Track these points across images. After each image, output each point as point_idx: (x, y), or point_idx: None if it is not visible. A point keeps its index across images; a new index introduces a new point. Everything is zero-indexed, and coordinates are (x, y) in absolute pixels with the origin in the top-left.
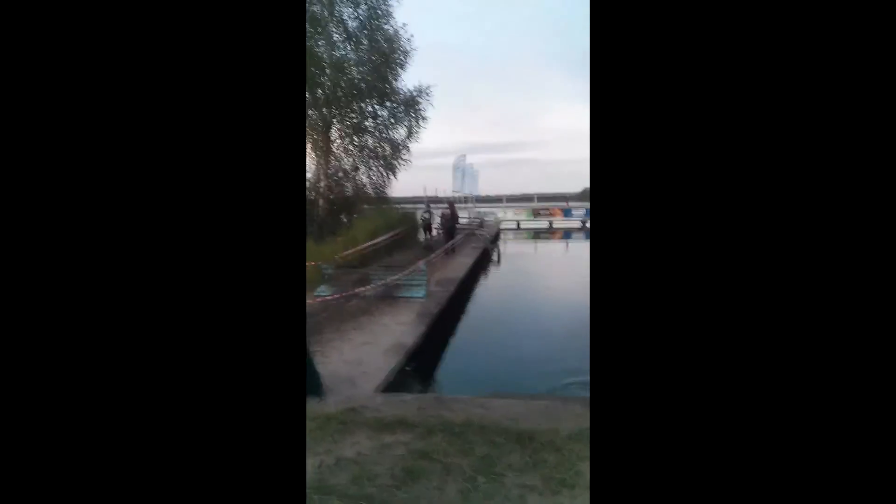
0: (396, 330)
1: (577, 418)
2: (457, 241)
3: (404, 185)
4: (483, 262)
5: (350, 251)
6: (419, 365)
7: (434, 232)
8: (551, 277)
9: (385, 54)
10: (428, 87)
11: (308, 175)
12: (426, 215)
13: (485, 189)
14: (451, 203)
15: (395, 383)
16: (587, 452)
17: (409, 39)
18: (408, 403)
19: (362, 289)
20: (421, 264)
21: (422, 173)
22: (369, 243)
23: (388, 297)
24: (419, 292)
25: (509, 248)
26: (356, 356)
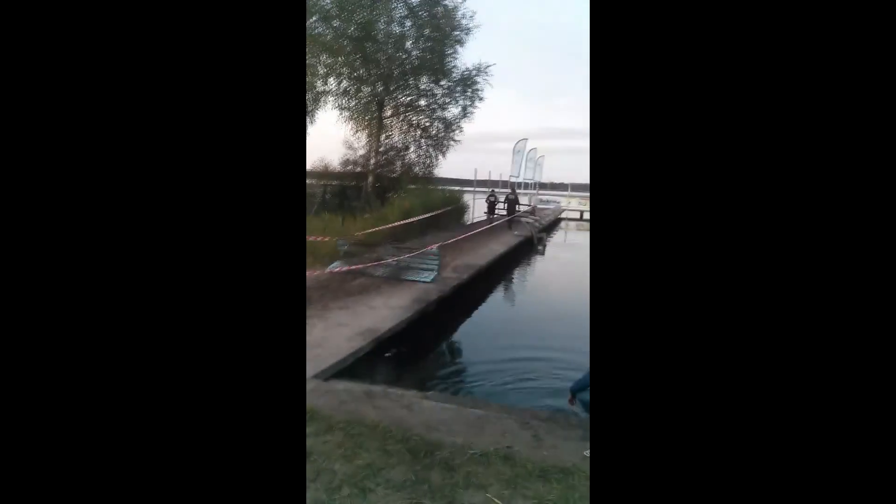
0: (382, 314)
1: (503, 436)
2: (491, 225)
3: (467, 166)
4: (520, 251)
5: (371, 230)
6: (401, 352)
7: (496, 213)
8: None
9: (442, 31)
10: (487, 67)
11: (361, 151)
12: (491, 198)
13: (560, 176)
14: (512, 186)
15: (351, 369)
16: (483, 479)
17: (470, 16)
18: (334, 394)
19: (365, 266)
20: (434, 248)
21: (495, 157)
22: (399, 223)
23: (396, 278)
24: (427, 276)
25: (565, 237)
26: (322, 336)
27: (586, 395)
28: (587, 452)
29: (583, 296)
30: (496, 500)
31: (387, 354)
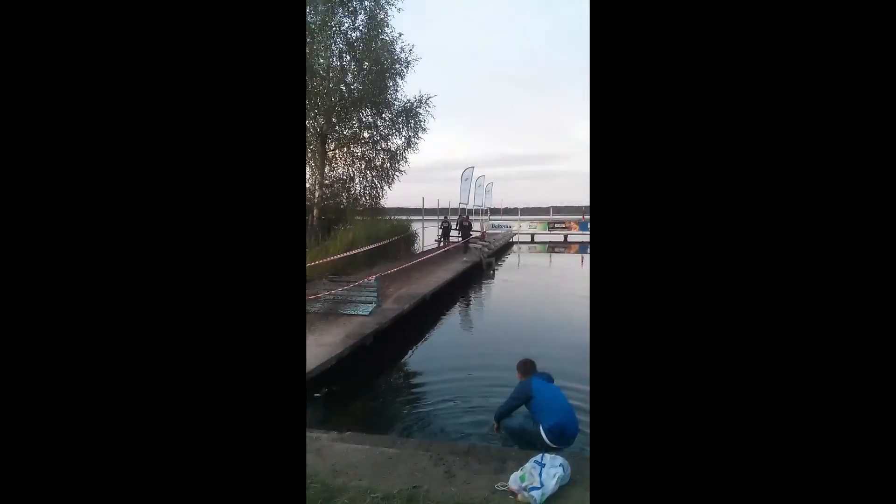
0: (311, 352)
1: (413, 475)
2: (439, 252)
3: (419, 195)
4: (469, 277)
5: (311, 263)
6: (331, 391)
7: (450, 239)
8: (544, 297)
9: (382, 64)
10: (428, 98)
11: (306, 184)
12: (445, 224)
13: (513, 200)
14: (465, 213)
15: None
16: None
17: (409, 50)
18: None
19: None
20: (372, 279)
21: (447, 185)
22: (341, 255)
23: (333, 312)
24: (365, 309)
25: (516, 260)
26: None
27: (511, 422)
28: (499, 485)
29: (527, 315)
30: None
31: (316, 395)
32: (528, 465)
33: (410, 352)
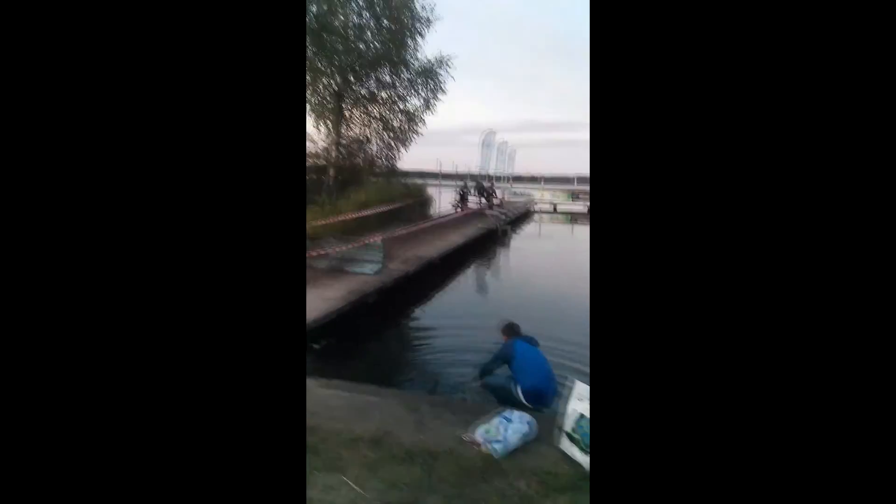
0: (313, 305)
1: (385, 421)
2: (445, 220)
3: (442, 159)
4: (482, 243)
5: (322, 222)
6: (330, 344)
7: (468, 204)
8: (557, 268)
9: (400, 22)
10: (448, 58)
11: (321, 144)
12: (464, 189)
13: (539, 168)
14: (490, 179)
15: None
16: (345, 462)
17: (430, 8)
18: None
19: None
20: (378, 239)
21: (470, 150)
22: (353, 216)
23: (339, 270)
24: (370, 268)
25: (535, 230)
26: None
27: (493, 380)
28: (464, 436)
29: (535, 280)
30: (349, 482)
31: (315, 346)
32: (496, 419)
33: (413, 310)
